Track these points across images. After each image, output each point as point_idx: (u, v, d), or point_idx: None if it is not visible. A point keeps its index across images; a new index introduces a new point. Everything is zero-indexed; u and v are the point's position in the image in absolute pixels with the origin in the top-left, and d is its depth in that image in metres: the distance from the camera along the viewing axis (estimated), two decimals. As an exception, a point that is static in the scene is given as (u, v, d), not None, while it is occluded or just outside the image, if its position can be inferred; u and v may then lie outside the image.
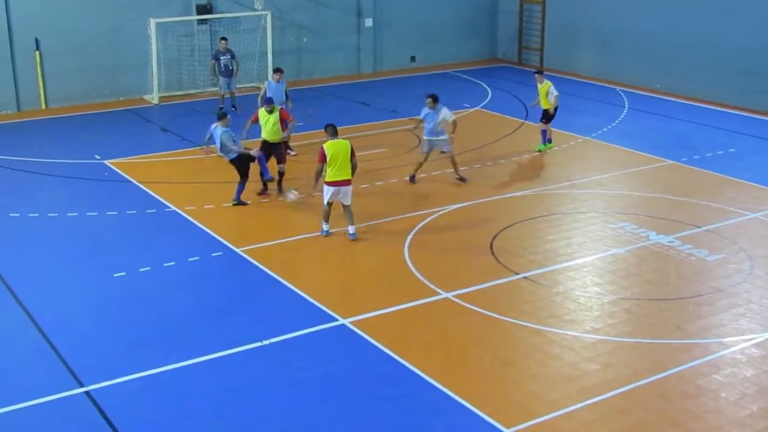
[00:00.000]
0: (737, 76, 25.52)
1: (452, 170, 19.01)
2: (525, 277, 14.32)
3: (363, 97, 27.26)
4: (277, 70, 21.35)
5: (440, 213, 17.16)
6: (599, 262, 15.04)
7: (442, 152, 18.88)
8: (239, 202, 17.56)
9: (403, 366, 11.59)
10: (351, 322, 12.75)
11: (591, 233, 16.26)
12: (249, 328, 12.63)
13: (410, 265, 14.78)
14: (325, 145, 15.47)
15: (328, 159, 15.35)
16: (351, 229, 15.91)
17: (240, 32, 27.51)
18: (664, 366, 11.65)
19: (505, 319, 12.86)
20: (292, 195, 17.26)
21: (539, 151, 21.25)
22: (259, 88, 27.73)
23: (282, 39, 28.96)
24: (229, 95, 25.03)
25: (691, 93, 26.82)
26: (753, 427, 10.37)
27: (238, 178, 17.53)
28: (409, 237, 15.97)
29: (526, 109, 25.43)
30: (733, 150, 21.43)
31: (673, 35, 27.43)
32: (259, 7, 27.93)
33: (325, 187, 15.65)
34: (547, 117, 21.29)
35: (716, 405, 10.86)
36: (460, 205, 17.60)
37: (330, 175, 15.45)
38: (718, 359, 11.89)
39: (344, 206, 15.83)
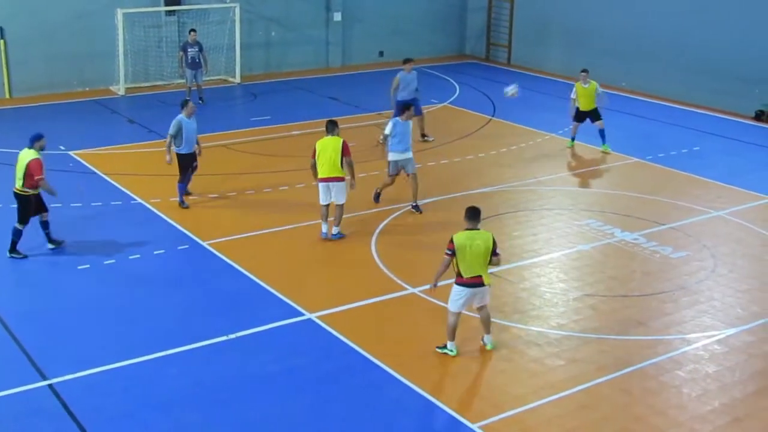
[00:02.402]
0: (703, 75, 25.77)
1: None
2: (491, 273, 14.33)
3: (331, 91, 27.21)
4: (408, 60, 21.20)
5: (407, 208, 17.16)
6: (565, 259, 15.14)
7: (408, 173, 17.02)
8: (184, 202, 17.07)
9: (370, 361, 11.61)
10: (318, 317, 12.74)
11: (557, 230, 16.37)
12: (215, 321, 12.58)
13: (377, 260, 14.80)
14: (317, 142, 15.35)
15: (316, 154, 15.23)
16: (334, 230, 15.63)
17: (208, 24, 27.35)
18: (627, 362, 11.77)
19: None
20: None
21: (604, 152, 21.13)
22: (227, 81, 27.76)
23: (250, 32, 28.83)
24: (196, 87, 24.86)
25: (658, 92, 27.06)
26: (714, 423, 10.50)
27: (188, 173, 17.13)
28: (377, 232, 15.98)
29: (493, 105, 25.54)
30: (697, 148, 21.65)
31: (641, 34, 27.65)
32: (228, 0, 27.78)
33: (318, 184, 15.47)
34: (596, 115, 21.08)
35: (679, 401, 10.99)
36: (428, 200, 17.63)
37: (320, 171, 15.27)
38: (681, 355, 12.03)
39: (337, 207, 15.51)
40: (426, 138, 21.74)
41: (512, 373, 11.49)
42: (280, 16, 29.68)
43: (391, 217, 16.72)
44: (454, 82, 28.84)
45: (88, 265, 14.34)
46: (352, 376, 11.34)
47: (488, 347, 11.95)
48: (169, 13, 27.33)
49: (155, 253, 14.90)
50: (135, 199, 17.35)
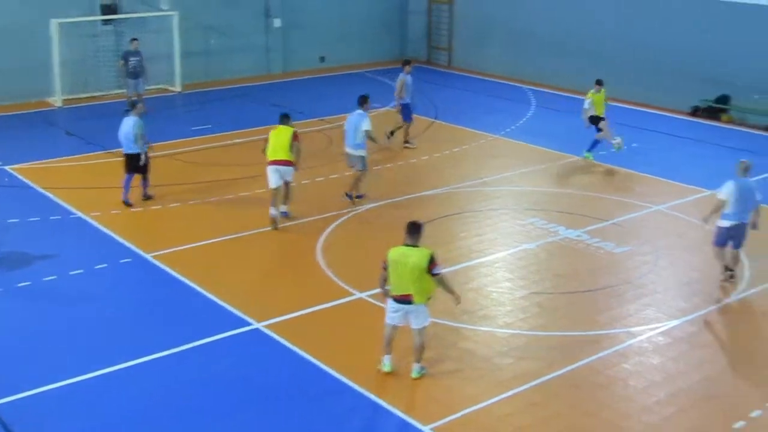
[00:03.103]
0: (640, 73, 26.17)
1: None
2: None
3: (273, 98, 27.09)
4: (408, 62, 21.83)
5: (353, 213, 17.17)
6: (510, 258, 15.25)
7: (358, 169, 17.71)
8: (149, 196, 17.62)
9: (319, 367, 11.56)
10: (265, 326, 12.66)
11: (502, 229, 16.49)
12: (160, 335, 12.41)
13: (323, 266, 14.76)
14: (271, 131, 16.44)
15: (268, 140, 16.31)
16: (283, 208, 16.55)
17: (147, 33, 27.01)
18: (575, 357, 11.89)
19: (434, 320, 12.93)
20: None
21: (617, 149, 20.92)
22: (167, 90, 27.49)
23: (190, 40, 28.56)
24: (136, 97, 24.56)
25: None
26: (661, 413, 10.66)
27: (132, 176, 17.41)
28: (322, 238, 15.94)
29: (435, 108, 25.65)
30: (636, 145, 21.95)
31: (578, 34, 28.01)
32: (166, 8, 27.54)
33: (267, 168, 16.23)
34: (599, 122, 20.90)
35: (626, 393, 11.14)
36: (373, 205, 17.64)
37: (270, 155, 16.21)
38: (627, 349, 12.19)
39: (286, 184, 16.43)
40: (409, 144, 21.85)
41: (462, 373, 11.54)
42: (219, 24, 29.49)
43: (336, 222, 16.70)
44: (395, 87, 28.82)
45: (28, 282, 14.06)
46: (302, 383, 11.28)
47: (412, 375, 11.24)
48: (106, 22, 27.00)
49: (97, 267, 14.67)
50: (75, 214, 17.08)
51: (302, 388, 11.15)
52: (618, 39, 26.98)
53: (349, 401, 10.87)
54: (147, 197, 17.72)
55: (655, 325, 12.84)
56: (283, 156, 16.11)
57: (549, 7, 28.91)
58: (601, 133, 20.70)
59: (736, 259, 14.31)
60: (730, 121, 24.60)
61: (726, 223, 13.87)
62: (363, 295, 13.64)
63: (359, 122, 17.29)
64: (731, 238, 13.97)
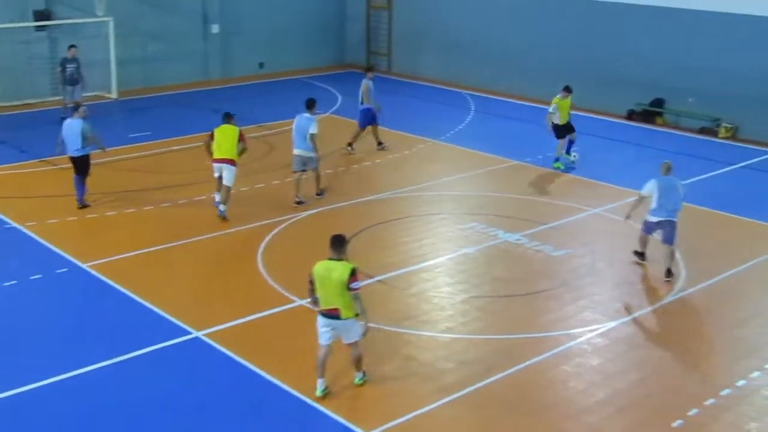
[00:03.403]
0: (577, 77, 26.42)
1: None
2: (379, 281, 14.45)
3: (212, 104, 26.86)
4: (371, 68, 22.32)
5: (293, 220, 17.12)
6: (451, 263, 15.33)
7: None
8: (85, 205, 17.47)
9: (260, 376, 11.49)
10: (205, 335, 12.54)
11: (442, 234, 16.57)
12: (98, 346, 12.22)
13: (264, 273, 14.67)
14: (216, 129, 16.93)
15: (213, 137, 16.86)
16: (221, 207, 16.85)
17: (82, 39, 26.55)
18: (516, 360, 11.98)
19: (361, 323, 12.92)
20: None
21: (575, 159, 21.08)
22: (103, 97, 27.11)
23: (126, 46, 28.20)
24: (73, 104, 24.16)
25: (534, 94, 27.69)
26: (600, 414, 10.80)
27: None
28: (263, 245, 15.86)
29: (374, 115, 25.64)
30: (573, 149, 22.19)
31: (515, 39, 28.29)
32: (101, 14, 27.17)
33: (212, 164, 16.98)
34: (571, 128, 20.95)
35: (566, 394, 11.26)
36: (313, 211, 17.61)
37: (215, 153, 16.84)
38: (567, 350, 12.32)
39: (225, 188, 16.82)
40: (383, 146, 22.07)
41: (404, 379, 11.55)
42: (156, 30, 29.17)
43: (277, 229, 16.62)
44: (335, 92, 28.88)
45: (-38, 294, 13.79)
46: (243, 392, 11.20)
47: (355, 381, 11.25)
48: (39, 28, 26.54)
49: (32, 278, 14.40)
50: (9, 224, 16.75)
51: (243, 397, 11.06)
52: (555, 44, 27.33)
53: (291, 409, 10.81)
54: (83, 206, 17.51)
55: (593, 327, 13.01)
56: (228, 155, 16.72)
57: (487, 13, 29.14)
58: (574, 133, 20.96)
59: (670, 256, 14.68)
60: (665, 124, 25.06)
61: (653, 219, 14.67)
62: (304, 302, 13.52)
63: (308, 125, 17.57)
64: (660, 232, 14.69)
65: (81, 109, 17.72)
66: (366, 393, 11.21)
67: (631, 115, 25.68)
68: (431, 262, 15.29)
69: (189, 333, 12.60)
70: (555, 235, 16.56)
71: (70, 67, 23.82)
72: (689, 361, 12.18)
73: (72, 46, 24.19)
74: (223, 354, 12.04)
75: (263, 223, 16.87)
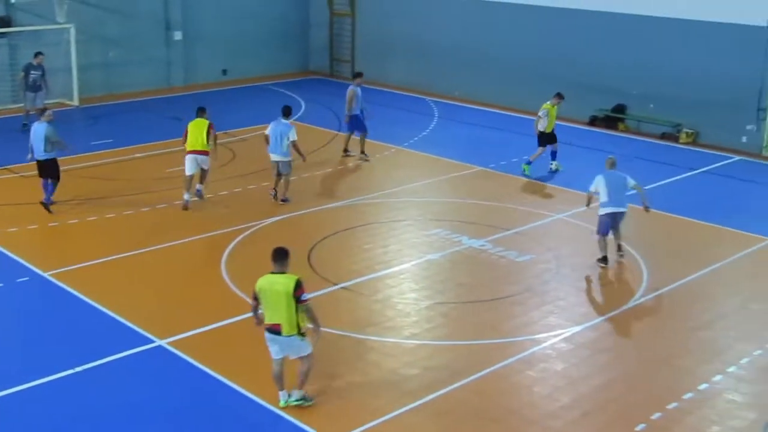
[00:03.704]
0: (539, 83, 26.63)
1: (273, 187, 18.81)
2: (344, 287, 14.42)
3: (175, 111, 26.70)
4: (359, 74, 22.23)
5: (257, 227, 17.05)
6: (415, 269, 15.34)
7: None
8: (51, 203, 17.56)
9: (225, 384, 11.41)
10: (168, 343, 12.44)
11: (407, 241, 16.58)
12: (59, 355, 12.06)
13: (228, 280, 14.59)
14: (189, 123, 18.03)
15: (187, 132, 17.98)
16: (198, 186, 18.14)
17: (42, 46, 26.29)
18: (480, 366, 12.00)
19: (326, 330, 12.81)
20: None
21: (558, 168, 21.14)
22: (64, 104, 26.85)
23: (87, 53, 27.98)
24: (35, 111, 23.93)
25: (496, 100, 27.86)
26: (565, 418, 10.84)
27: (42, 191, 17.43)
28: (226, 252, 15.77)
29: (339, 120, 25.67)
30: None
31: (477, 45, 28.41)
32: (62, 21, 26.92)
33: (186, 156, 17.86)
34: (554, 137, 21.00)
35: (531, 399, 11.30)
36: (277, 218, 17.55)
37: (189, 145, 17.82)
38: (531, 356, 12.37)
39: (202, 171, 18.00)
40: (348, 153, 22.07)
41: (368, 385, 11.53)
42: (118, 37, 28.98)
43: (241, 236, 16.55)
44: (299, 99, 28.81)
45: None
46: (207, 400, 11.11)
47: (290, 400, 10.76)
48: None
49: (-7, 287, 14.25)
50: (-31, 232, 16.55)
51: (206, 405, 10.98)
52: (518, 51, 27.49)
53: (255, 417, 10.75)
54: (49, 203, 17.58)
55: (558, 332, 13.07)
56: (200, 147, 17.82)
57: (450, 21, 29.26)
58: (543, 149, 20.94)
59: (619, 237, 15.59)
60: (627, 130, 25.28)
61: (604, 211, 15.28)
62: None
63: (286, 131, 18.03)
64: (613, 225, 15.32)
65: (47, 113, 17.78)
66: (330, 400, 11.16)
67: (593, 121, 25.88)
68: (396, 269, 15.29)
69: (152, 341, 12.49)
70: (519, 240, 16.63)
71: (34, 74, 23.60)
72: (652, 365, 12.26)
73: (39, 53, 23.99)
74: (187, 362, 11.95)
75: (227, 230, 16.78)
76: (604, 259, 15.42)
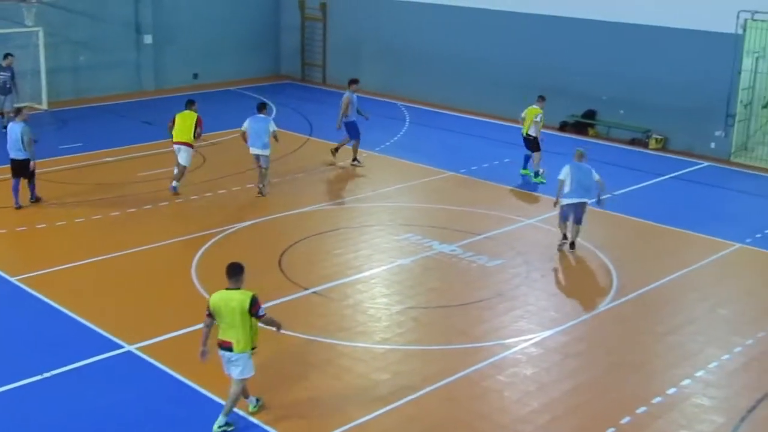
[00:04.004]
0: (510, 89, 26.78)
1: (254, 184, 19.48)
2: (315, 292, 14.40)
3: (145, 115, 26.59)
4: (355, 81, 22.07)
5: (228, 232, 16.98)
6: (386, 274, 15.34)
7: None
8: (38, 198, 18.12)
9: (195, 390, 11.35)
10: (138, 348, 12.36)
11: (377, 245, 16.58)
12: (27, 361, 11.96)
13: (198, 285, 14.52)
14: (177, 114, 18.81)
15: (174, 122, 18.81)
16: (174, 183, 18.81)
17: (10, 49, 26.06)
18: (451, 371, 12.02)
19: (296, 335, 12.86)
20: None
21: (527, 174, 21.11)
22: (33, 108, 26.58)
23: (56, 56, 27.76)
24: (2, 114, 23.72)
25: (468, 106, 27.96)
26: (535, 423, 10.87)
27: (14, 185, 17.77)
28: (197, 257, 15.70)
29: (310, 125, 25.67)
30: (508, 160, 22.44)
31: (448, 51, 28.51)
32: (30, 24, 26.69)
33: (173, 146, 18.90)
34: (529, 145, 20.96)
35: (501, 404, 11.32)
36: (248, 223, 17.50)
37: (174, 136, 18.72)
38: (501, 360, 12.40)
39: (179, 166, 18.77)
40: (333, 158, 22.05)
41: (339, 390, 11.51)
42: (87, 40, 28.78)
43: (211, 241, 16.47)
44: (270, 103, 28.72)
45: None
46: (176, 406, 11.05)
47: (214, 427, 10.38)
48: (-34, 38, 25.98)
49: (-41, 292, 14.09)
50: (-65, 237, 16.36)
51: (176, 411, 10.92)
52: (489, 57, 27.59)
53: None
54: (36, 199, 18.06)
55: (528, 336, 13.12)
56: (185, 138, 18.65)
57: (421, 26, 29.32)
58: (539, 153, 20.95)
59: (577, 232, 16.31)
60: (597, 136, 25.44)
61: (565, 201, 16.12)
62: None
63: (266, 125, 18.90)
64: (572, 213, 16.15)
65: (23, 112, 17.98)
66: (301, 405, 11.14)
67: (563, 127, 26.03)
68: (367, 274, 15.28)
69: (121, 347, 12.40)
70: (489, 245, 16.68)
71: (3, 76, 23.45)
72: (622, 369, 12.33)
73: (8, 54, 23.80)
74: (157, 368, 11.88)
75: (197, 235, 16.70)
76: (564, 237, 16.46)
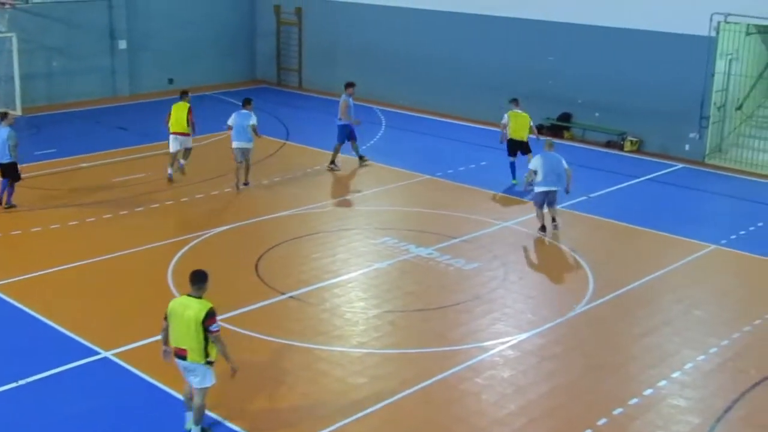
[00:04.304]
0: (483, 92, 26.86)
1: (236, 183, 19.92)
2: (292, 297, 14.37)
3: (120, 121, 26.45)
4: (351, 84, 22.32)
5: (205, 236, 16.92)
6: (363, 278, 15.33)
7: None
8: (12, 205, 18.14)
9: (170, 395, 11.28)
10: (114, 354, 12.29)
11: (354, 249, 16.57)
12: (4, 368, 11.86)
13: (175, 291, 14.43)
14: (173, 105, 20.05)
15: (170, 114, 20.02)
16: (181, 161, 20.18)
17: (-17, 55, 26.04)
18: (428, 374, 12.02)
19: (274, 339, 12.84)
20: None
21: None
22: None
23: (30, 62, 27.59)
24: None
25: (444, 110, 28.02)
26: (512, 425, 10.89)
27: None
28: (173, 262, 15.62)
29: (287, 129, 25.63)
30: (484, 163, 22.49)
31: (423, 55, 28.55)
32: (3, 29, 26.49)
33: (170, 136, 19.98)
34: (527, 148, 20.94)
35: (478, 407, 11.33)
36: (225, 227, 17.44)
37: (171, 127, 19.89)
38: (479, 363, 12.41)
39: (185, 149, 20.21)
40: (334, 164, 22.10)
41: (316, 395, 11.49)
42: (61, 45, 28.60)
43: (188, 246, 16.40)
44: (191, 139, 28.53)
45: None
46: (152, 411, 10.99)
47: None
48: (-62, 43, 25.79)
49: (-68, 300, 13.95)
50: None
51: (153, 417, 10.86)
52: (464, 60, 27.66)
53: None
54: (9, 206, 18.06)
55: (505, 339, 13.14)
56: (181, 129, 19.95)
57: (396, 30, 29.33)
58: (530, 154, 20.71)
59: (554, 211, 17.39)
60: (572, 138, 25.55)
61: (539, 189, 17.18)
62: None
63: (248, 120, 19.79)
64: (546, 199, 17.20)
65: (9, 116, 18.13)
66: (278, 410, 11.11)
67: (539, 130, 26.04)
68: (344, 278, 15.27)
69: (98, 353, 12.32)
70: (466, 248, 16.70)
71: None
72: (599, 371, 12.37)
73: None
74: (133, 374, 11.81)
75: (174, 240, 16.63)
76: (542, 228, 17.34)
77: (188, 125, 19.87)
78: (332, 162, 21.93)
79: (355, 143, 22.24)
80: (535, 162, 17.26)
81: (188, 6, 31.70)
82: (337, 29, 31.09)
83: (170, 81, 31.31)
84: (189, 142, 20.22)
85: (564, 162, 17.26)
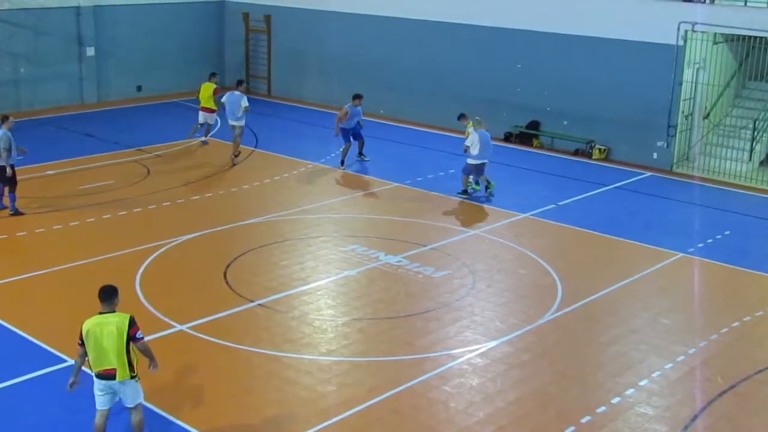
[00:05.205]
0: (454, 101, 26.88)
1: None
2: (260, 304, 14.30)
3: (87, 128, 26.24)
4: (358, 96, 23.32)
5: (173, 244, 16.81)
6: (332, 285, 15.29)
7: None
8: (18, 212, 18.10)
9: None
10: (79, 363, 12.14)
11: (323, 257, 16.52)
12: (-35, 377, 11.73)
13: (142, 298, 14.33)
14: (202, 84, 23.92)
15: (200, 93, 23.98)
16: (203, 138, 24.44)
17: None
18: (396, 382, 12.00)
19: (242, 347, 12.77)
20: None
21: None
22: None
23: (-4, 68, 27.36)
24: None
25: (413, 117, 28.06)
26: (481, 434, 10.90)
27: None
28: (141, 270, 15.50)
29: (256, 136, 25.54)
30: (453, 171, 22.50)
31: (393, 63, 28.60)
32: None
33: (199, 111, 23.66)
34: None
35: (447, 415, 11.32)
36: (193, 235, 17.33)
37: (202, 103, 24.04)
38: (447, 371, 12.41)
39: (208, 124, 24.23)
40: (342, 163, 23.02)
41: (284, 403, 11.43)
42: (28, 52, 28.35)
43: (156, 253, 16.28)
44: (215, 116, 28.51)
45: None
46: (121, 419, 10.87)
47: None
48: None
49: None
50: None
51: (121, 423, 10.74)
52: (433, 67, 27.71)
53: (169, 438, 10.57)
54: (14, 212, 17.99)
55: (473, 347, 13.15)
56: (206, 104, 24.25)
57: (366, 38, 29.37)
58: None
59: (485, 178, 20.40)
60: (541, 146, 25.67)
61: (473, 162, 20.17)
62: (183, 327, 13.34)
63: (239, 100, 22.41)
64: (477, 171, 20.24)
65: (9, 120, 17.99)
66: (246, 418, 11.03)
67: (508, 138, 26.22)
68: (312, 285, 15.22)
69: (64, 361, 12.18)
70: (435, 256, 16.71)
71: None
72: (567, 379, 12.41)
73: None
74: (98, 383, 11.66)
75: (141, 247, 16.50)
76: (464, 192, 20.37)
77: (214, 102, 23.88)
78: (341, 163, 22.83)
79: (362, 142, 23.45)
80: (471, 140, 19.94)
81: (157, 13, 31.52)
82: (306, 37, 31.06)
83: (139, 88, 31.14)
84: (212, 118, 24.42)
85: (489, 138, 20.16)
